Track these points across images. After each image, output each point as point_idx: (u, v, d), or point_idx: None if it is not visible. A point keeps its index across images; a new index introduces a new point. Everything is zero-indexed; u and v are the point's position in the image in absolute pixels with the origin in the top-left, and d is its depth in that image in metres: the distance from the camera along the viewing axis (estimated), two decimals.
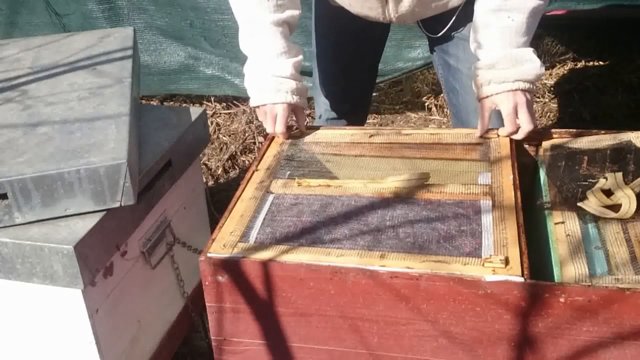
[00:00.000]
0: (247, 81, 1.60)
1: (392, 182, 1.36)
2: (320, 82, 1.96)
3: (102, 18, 3.02)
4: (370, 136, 1.57)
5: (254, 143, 2.98)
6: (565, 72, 3.25)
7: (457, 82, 1.79)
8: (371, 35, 1.88)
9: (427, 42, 1.92)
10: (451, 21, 1.70)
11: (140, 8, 2.99)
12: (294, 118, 1.63)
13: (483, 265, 1.10)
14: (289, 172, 1.46)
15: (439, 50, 1.84)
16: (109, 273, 1.42)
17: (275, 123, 1.56)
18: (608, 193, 1.26)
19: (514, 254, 1.12)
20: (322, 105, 1.97)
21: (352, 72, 1.92)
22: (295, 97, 1.56)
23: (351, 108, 1.98)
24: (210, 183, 2.76)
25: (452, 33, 1.74)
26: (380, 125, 3.02)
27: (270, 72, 1.56)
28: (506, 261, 1.10)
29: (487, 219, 1.23)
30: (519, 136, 1.47)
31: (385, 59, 2.76)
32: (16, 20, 3.11)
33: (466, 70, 1.72)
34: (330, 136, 1.60)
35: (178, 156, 1.65)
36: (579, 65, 3.28)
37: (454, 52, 1.77)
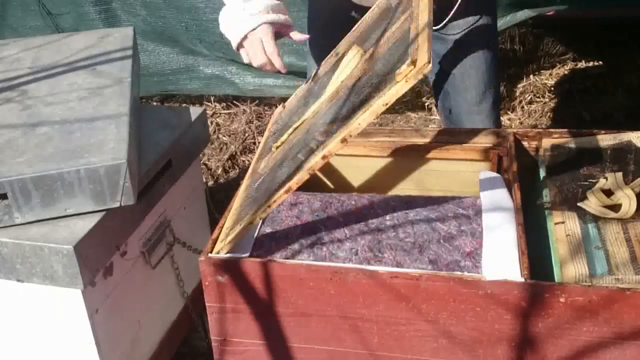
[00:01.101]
0: (222, 25, 1.48)
1: (349, 62, 1.28)
2: None
3: (98, 20, 3.01)
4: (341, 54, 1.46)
5: (254, 143, 2.98)
6: (565, 72, 3.24)
7: (448, 85, 1.79)
8: None
9: None
10: (447, 19, 1.70)
11: (136, 10, 2.98)
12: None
13: (396, 79, 1.01)
14: (272, 144, 1.39)
15: None
16: (109, 273, 1.42)
17: (263, 50, 1.43)
18: (608, 193, 1.26)
19: (423, 53, 1.02)
20: None
21: None
22: (272, 14, 1.43)
23: None
24: (210, 183, 2.76)
25: (446, 35, 1.74)
26: (380, 125, 3.01)
27: (243, 9, 1.44)
28: (413, 63, 1.01)
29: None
30: None
31: None
32: (8, 21, 3.09)
33: (457, 73, 1.72)
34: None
35: (178, 156, 1.65)
36: (579, 65, 3.28)
37: (446, 54, 1.77)
